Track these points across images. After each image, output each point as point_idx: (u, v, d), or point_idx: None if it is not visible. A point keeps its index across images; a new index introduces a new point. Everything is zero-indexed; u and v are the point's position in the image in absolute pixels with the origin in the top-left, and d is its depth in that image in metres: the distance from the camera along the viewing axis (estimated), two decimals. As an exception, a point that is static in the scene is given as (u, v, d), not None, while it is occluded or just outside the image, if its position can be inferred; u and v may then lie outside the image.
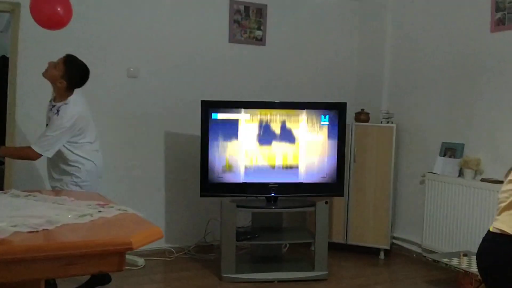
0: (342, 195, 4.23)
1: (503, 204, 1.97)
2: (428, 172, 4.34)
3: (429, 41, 4.51)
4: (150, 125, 4.43)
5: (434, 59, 4.45)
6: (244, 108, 3.98)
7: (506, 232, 1.91)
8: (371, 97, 5.01)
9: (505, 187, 1.99)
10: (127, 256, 4.02)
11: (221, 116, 3.96)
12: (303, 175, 4.04)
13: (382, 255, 4.54)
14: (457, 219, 4.03)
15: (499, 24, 3.87)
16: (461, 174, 4.11)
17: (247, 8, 4.70)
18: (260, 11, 4.75)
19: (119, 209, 2.11)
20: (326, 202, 3.97)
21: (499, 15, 3.86)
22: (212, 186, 3.96)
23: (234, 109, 3.98)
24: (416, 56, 4.64)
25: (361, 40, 5.20)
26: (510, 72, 3.78)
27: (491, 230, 1.99)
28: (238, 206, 3.88)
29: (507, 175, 2.02)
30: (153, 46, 4.40)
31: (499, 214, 1.98)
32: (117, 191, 4.16)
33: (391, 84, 4.91)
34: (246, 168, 3.99)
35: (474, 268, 3.35)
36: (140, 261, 4.08)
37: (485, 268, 2.02)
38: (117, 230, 1.89)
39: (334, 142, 4.05)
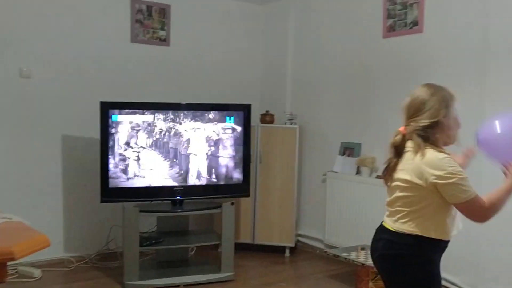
0: (248, 196, 4.26)
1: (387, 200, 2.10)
2: (329, 171, 4.52)
3: (329, 45, 4.70)
4: (46, 128, 4.18)
5: (334, 63, 4.65)
6: (147, 109, 3.88)
7: (387, 227, 2.04)
8: (276, 99, 5.12)
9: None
10: (22, 268, 3.78)
11: (122, 118, 3.83)
12: (209, 177, 4.03)
13: (287, 253, 4.65)
14: (356, 214, 4.23)
15: (390, 30, 4.13)
16: (358, 172, 4.33)
17: (149, 7, 4.60)
18: (164, 11, 4.67)
19: (3, 218, 1.96)
20: (232, 203, 3.99)
21: (390, 22, 4.12)
22: (114, 191, 3.81)
23: (136, 111, 3.87)
24: (317, 60, 4.82)
25: (265, 43, 5.31)
26: (401, 75, 4.03)
27: (382, 223, 2.11)
28: (141, 211, 3.77)
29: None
30: (48, 45, 4.16)
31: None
32: (10, 199, 3.90)
33: (295, 86, 5.06)
34: (150, 171, 3.89)
35: (370, 261, 3.52)
36: (36, 272, 3.82)
37: (376, 259, 2.14)
38: (-1, 240, 1.75)
39: (240, 143, 4.08)
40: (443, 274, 3.73)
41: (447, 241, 1.99)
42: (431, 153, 1.88)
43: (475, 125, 2.81)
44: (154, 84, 4.65)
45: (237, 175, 4.09)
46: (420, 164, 1.88)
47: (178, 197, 3.94)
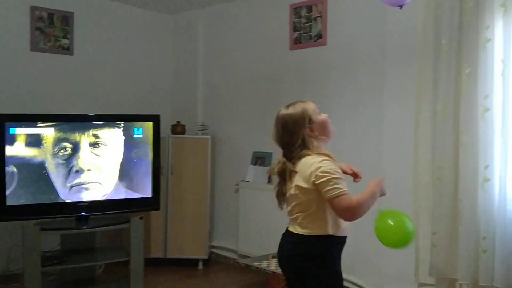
0: (159, 209, 4.17)
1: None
2: (242, 181, 4.54)
3: (239, 56, 4.74)
4: None
5: (244, 73, 4.70)
6: (49, 121, 3.68)
7: (291, 230, 2.15)
8: (187, 110, 5.07)
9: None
10: None
11: (20, 131, 3.60)
12: (116, 191, 3.89)
13: (201, 265, 4.59)
14: (267, 223, 4.27)
15: (296, 42, 4.24)
16: (270, 180, 4.38)
17: (51, 15, 4.38)
18: (67, 19, 4.47)
19: None
20: (141, 218, 3.88)
21: (296, 34, 4.23)
22: (12, 209, 3.56)
23: (36, 123, 3.65)
24: (228, 70, 4.84)
25: (175, 53, 5.25)
26: (307, 85, 4.16)
27: (287, 228, 2.21)
28: (43, 229, 3.55)
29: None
30: None
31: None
32: None
33: (206, 96, 5.04)
34: (52, 187, 3.68)
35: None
36: None
37: (283, 262, 2.22)
38: None
39: (149, 155, 3.98)
40: (350, 277, 3.88)
41: (345, 237, 2.16)
42: (311, 158, 2.05)
43: (375, 128, 2.97)
44: (57, 94, 4.42)
45: (147, 188, 3.98)
46: (304, 170, 2.04)
47: (82, 213, 3.76)
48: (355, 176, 2.28)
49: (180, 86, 5.21)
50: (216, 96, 4.95)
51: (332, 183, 1.98)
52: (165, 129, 4.56)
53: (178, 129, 4.71)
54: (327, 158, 2.04)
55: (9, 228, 3.96)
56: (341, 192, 1.98)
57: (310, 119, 2.11)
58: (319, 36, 4.06)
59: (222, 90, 4.89)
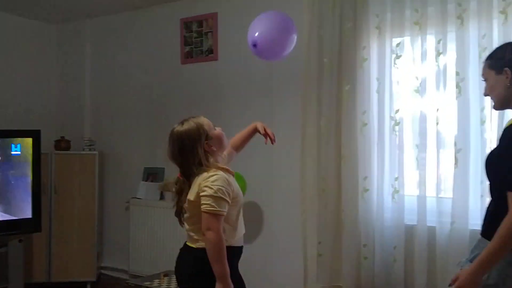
0: (40, 231, 3.89)
1: None
2: (132, 198, 4.39)
3: (128, 69, 4.61)
4: None
5: (134, 87, 4.58)
6: None
7: (190, 245, 2.13)
8: (73, 124, 4.82)
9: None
10: None
11: None
12: (-9, 213, 3.57)
13: (89, 288, 4.36)
14: (160, 240, 4.17)
15: (188, 56, 4.23)
16: (162, 197, 4.29)
17: None
18: None
19: None
20: (20, 240, 3.60)
21: (187, 48, 4.22)
22: None
23: None
24: (117, 84, 4.69)
25: (60, 65, 4.98)
26: (199, 100, 4.15)
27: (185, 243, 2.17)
28: None
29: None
30: None
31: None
32: None
33: (93, 111, 4.83)
34: None
35: (173, 287, 3.50)
36: None
37: (179, 278, 2.18)
38: None
39: (29, 174, 3.71)
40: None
41: (240, 247, 2.19)
42: (207, 174, 2.04)
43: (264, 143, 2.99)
44: None
45: (27, 209, 3.70)
46: (195, 185, 2.06)
47: (-50, 239, 3.40)
48: (265, 136, 2.44)
49: (65, 100, 4.93)
50: (105, 111, 4.76)
51: (212, 199, 1.98)
52: (47, 145, 4.29)
53: (62, 144, 4.46)
54: (221, 173, 2.05)
55: None
56: (215, 210, 1.98)
57: (207, 135, 2.11)
58: (210, 51, 4.09)
59: (111, 104, 4.72)
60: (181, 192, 2.14)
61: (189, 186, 2.09)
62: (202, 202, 1.99)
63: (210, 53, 4.10)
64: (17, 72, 4.65)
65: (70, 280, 4.29)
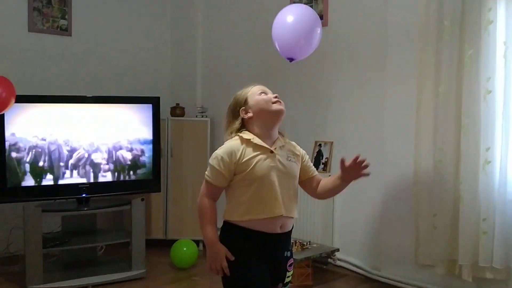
0: (159, 191, 4.18)
1: None
2: (241, 163, 4.53)
3: (240, 38, 4.70)
4: None
5: (245, 55, 4.66)
6: (49, 103, 3.66)
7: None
8: (186, 92, 5.05)
9: None
10: None
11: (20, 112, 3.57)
12: (117, 173, 3.88)
13: (201, 247, 4.62)
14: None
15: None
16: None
17: (48, -5, 4.33)
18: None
19: None
20: (142, 199, 3.88)
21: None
22: (13, 191, 3.56)
23: (35, 104, 3.62)
24: (226, 53, 4.80)
25: (174, 35, 5.21)
26: (306, 67, 4.13)
27: None
28: (44, 211, 3.56)
29: None
30: None
31: None
32: None
33: (204, 79, 5.01)
34: (53, 167, 3.67)
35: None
36: None
37: None
38: None
39: (149, 138, 3.97)
40: (348, 258, 3.92)
41: (261, 232, 1.97)
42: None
43: (376, 111, 2.92)
44: (55, 75, 4.39)
45: (147, 170, 3.98)
46: None
47: (83, 195, 3.76)
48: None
49: (179, 68, 5.18)
50: (215, 78, 4.92)
51: (209, 165, 2.00)
52: (164, 112, 4.55)
53: (177, 111, 4.69)
54: (234, 142, 2.00)
55: (9, 210, 3.96)
56: (205, 175, 2.01)
57: (245, 100, 2.07)
58: (320, 16, 4.02)
59: (221, 72, 4.86)
60: None
61: None
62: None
63: (320, 19, 4.02)
64: (136, 41, 4.96)
65: (184, 238, 4.58)
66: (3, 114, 3.43)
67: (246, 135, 2.02)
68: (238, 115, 2.07)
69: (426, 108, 3.25)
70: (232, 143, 2.00)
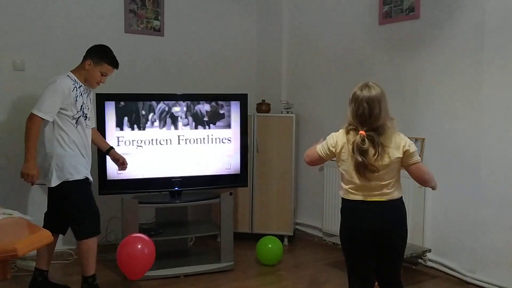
0: (247, 186, 4.26)
1: None
2: (327, 159, 4.50)
3: (323, 33, 4.67)
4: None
5: (329, 50, 4.63)
6: (143, 100, 3.85)
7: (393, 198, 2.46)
8: (271, 88, 5.10)
9: None
10: (21, 262, 3.76)
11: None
12: (207, 167, 4.01)
13: (286, 242, 4.66)
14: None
15: (386, 16, 4.10)
16: (356, 159, 4.31)
17: (143, -3, 4.55)
18: (157, 1, 4.61)
19: (3, 214, 1.94)
20: (231, 193, 3.99)
21: (386, 8, 4.09)
22: (112, 183, 3.79)
23: (132, 102, 3.83)
24: (312, 48, 4.79)
25: (259, 32, 5.27)
26: (397, 61, 4.03)
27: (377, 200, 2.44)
28: (140, 203, 3.76)
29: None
30: (42, 37, 4.11)
31: None
32: (4, 194, 3.87)
33: (290, 75, 5.03)
34: (148, 162, 3.86)
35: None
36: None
37: (388, 230, 2.46)
38: (1, 236, 1.73)
39: (237, 134, 4.06)
40: (442, 260, 3.78)
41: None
42: (397, 134, 2.50)
43: (471, 101, 2.76)
44: (148, 75, 4.61)
45: (235, 165, 4.08)
46: (394, 144, 2.48)
47: (176, 188, 3.93)
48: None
49: (264, 65, 5.23)
50: (300, 74, 4.93)
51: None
52: (250, 108, 4.62)
53: (263, 107, 4.75)
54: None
55: (108, 201, 4.21)
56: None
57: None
58: (411, 9, 3.90)
59: (306, 68, 4.86)
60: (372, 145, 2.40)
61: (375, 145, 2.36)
62: None
63: (411, 11, 3.91)
64: (224, 39, 5.07)
65: (269, 232, 4.63)
66: (104, 112, 3.67)
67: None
68: (387, 110, 2.46)
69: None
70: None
